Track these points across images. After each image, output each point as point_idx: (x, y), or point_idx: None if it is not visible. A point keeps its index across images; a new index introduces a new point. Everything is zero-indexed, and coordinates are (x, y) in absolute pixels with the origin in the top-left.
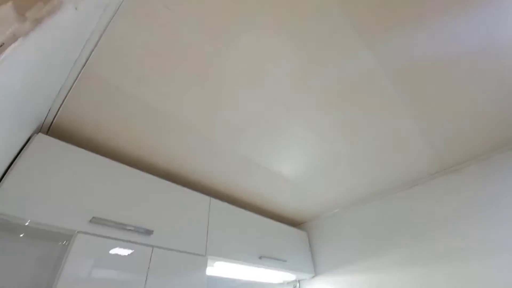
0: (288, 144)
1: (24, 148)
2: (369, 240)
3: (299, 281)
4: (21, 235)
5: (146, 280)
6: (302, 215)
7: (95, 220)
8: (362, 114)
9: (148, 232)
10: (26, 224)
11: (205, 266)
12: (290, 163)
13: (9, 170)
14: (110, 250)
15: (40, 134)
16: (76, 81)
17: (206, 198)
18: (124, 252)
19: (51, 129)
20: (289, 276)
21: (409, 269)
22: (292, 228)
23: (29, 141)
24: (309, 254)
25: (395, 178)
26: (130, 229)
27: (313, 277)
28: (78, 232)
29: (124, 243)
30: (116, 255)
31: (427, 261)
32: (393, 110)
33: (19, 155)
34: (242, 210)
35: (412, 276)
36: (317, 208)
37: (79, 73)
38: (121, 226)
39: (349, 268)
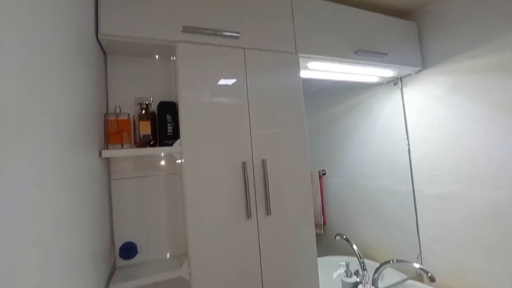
0: None
1: None
2: None
3: (400, 78)
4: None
5: (246, 81)
6: (411, 1)
7: (186, 29)
8: None
9: (235, 37)
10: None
11: (298, 64)
12: None
13: None
14: (207, 54)
15: None
16: None
17: None
18: (220, 55)
19: None
20: (389, 73)
21: None
22: (396, 19)
23: None
24: (416, 46)
25: None
26: (218, 34)
27: (419, 71)
28: (177, 41)
29: (217, 47)
30: (214, 58)
31: None
32: None
33: None
34: (330, 2)
35: None
36: None
37: None
38: (209, 32)
39: (477, 51)
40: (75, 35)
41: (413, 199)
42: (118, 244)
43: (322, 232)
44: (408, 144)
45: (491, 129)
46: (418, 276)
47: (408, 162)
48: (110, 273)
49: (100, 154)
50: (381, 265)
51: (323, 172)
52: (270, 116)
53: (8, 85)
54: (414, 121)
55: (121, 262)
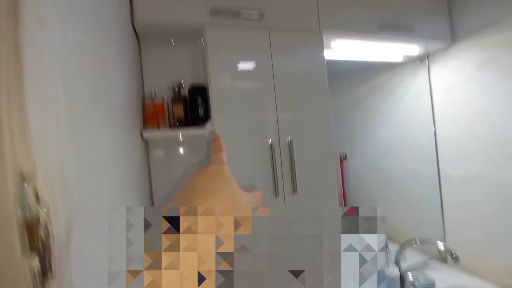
0: None
1: None
2: None
3: (427, 56)
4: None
5: (272, 63)
6: None
7: (213, 10)
8: None
9: (260, 16)
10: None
11: (321, 43)
12: None
13: None
14: (234, 37)
15: None
16: None
17: None
18: (246, 37)
19: None
20: (415, 50)
21: None
22: None
23: None
24: (445, 17)
25: None
26: (243, 16)
27: (448, 45)
28: (206, 25)
29: (242, 30)
30: (240, 41)
31: None
32: None
33: None
34: None
35: None
36: None
37: None
38: (235, 10)
39: (509, 23)
40: (120, 25)
41: (437, 180)
42: None
43: None
44: (434, 124)
45: None
46: (440, 256)
47: (434, 142)
48: None
49: (141, 135)
50: (403, 245)
51: (344, 155)
52: (295, 98)
53: (80, 77)
54: (441, 100)
55: None
